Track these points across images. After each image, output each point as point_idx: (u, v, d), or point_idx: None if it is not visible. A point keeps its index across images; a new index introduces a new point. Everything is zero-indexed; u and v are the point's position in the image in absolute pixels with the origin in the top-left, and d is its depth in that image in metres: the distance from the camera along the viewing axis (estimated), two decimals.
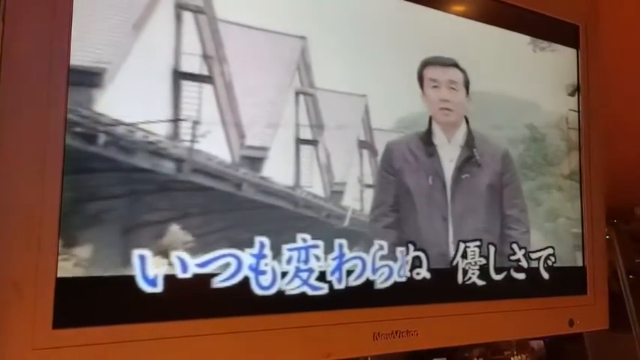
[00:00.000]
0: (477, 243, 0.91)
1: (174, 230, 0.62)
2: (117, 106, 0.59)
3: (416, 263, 0.92)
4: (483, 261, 0.99)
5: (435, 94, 0.69)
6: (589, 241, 1.15)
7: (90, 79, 0.56)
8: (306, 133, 0.64)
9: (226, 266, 0.79)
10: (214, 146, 0.63)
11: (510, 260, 1.03)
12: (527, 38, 0.88)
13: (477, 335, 1.02)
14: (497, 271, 1.02)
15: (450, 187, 0.67)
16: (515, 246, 1.03)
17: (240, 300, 0.80)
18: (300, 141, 0.61)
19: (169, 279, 0.75)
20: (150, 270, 0.68)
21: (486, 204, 0.70)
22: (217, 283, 0.79)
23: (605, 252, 1.19)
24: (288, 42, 0.62)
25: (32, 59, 0.65)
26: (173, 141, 0.59)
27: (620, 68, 1.39)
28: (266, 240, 0.70)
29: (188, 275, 0.77)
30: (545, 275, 1.09)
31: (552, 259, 1.09)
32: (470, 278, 0.99)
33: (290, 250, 0.84)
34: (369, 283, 0.91)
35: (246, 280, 0.81)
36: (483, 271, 1.01)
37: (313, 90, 0.66)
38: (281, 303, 0.83)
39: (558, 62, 0.85)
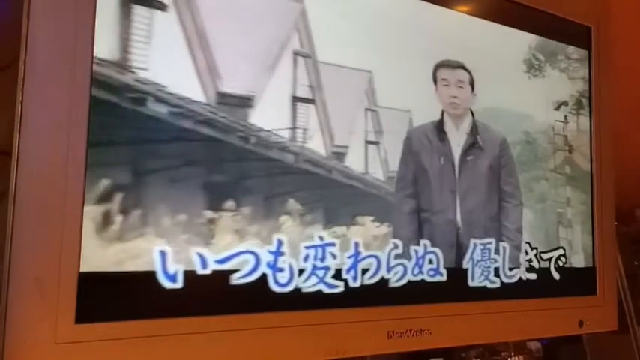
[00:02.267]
0: (489, 240, 0.94)
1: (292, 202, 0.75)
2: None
3: (431, 259, 0.92)
4: (498, 260, 1.00)
5: (446, 91, 0.82)
6: (599, 242, 1.16)
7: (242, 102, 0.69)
8: (371, 136, 0.80)
9: (245, 263, 0.80)
10: (316, 145, 0.77)
11: (522, 260, 1.04)
12: (523, 66, 0.94)
13: (488, 335, 1.02)
14: (509, 270, 1.03)
15: (458, 167, 0.80)
16: (527, 246, 1.04)
17: (257, 297, 0.81)
18: (367, 143, 0.77)
19: (189, 275, 0.75)
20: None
21: (487, 181, 0.83)
22: (236, 279, 0.79)
23: (614, 254, 1.20)
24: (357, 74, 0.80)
25: None
26: (292, 141, 0.74)
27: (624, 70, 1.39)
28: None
29: (207, 271, 0.77)
30: (556, 276, 1.10)
31: (563, 259, 1.10)
32: (482, 278, 1.00)
33: (307, 247, 0.85)
34: (383, 282, 0.91)
35: (264, 277, 0.81)
36: (496, 271, 1.01)
37: (376, 107, 0.82)
38: (297, 300, 0.84)
39: (547, 85, 0.94)
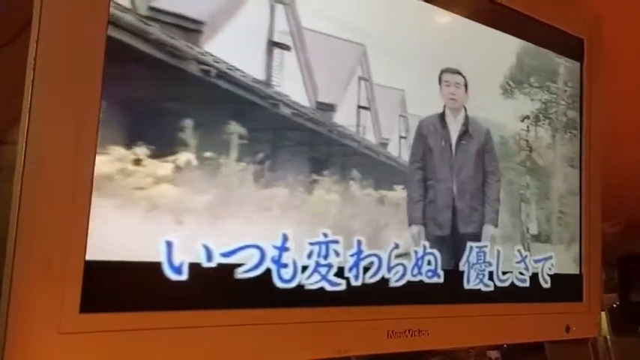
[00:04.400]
0: (484, 244, 1.03)
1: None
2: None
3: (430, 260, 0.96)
4: (492, 264, 1.02)
5: (447, 90, 1.00)
6: (586, 252, 1.19)
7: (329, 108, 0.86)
8: (363, 102, 0.91)
9: (250, 257, 0.79)
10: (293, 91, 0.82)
11: (513, 265, 1.06)
12: (500, 90, 1.09)
13: (483, 337, 1.04)
14: (503, 274, 1.05)
15: (454, 148, 0.99)
16: (517, 252, 1.06)
17: (261, 292, 0.79)
18: (360, 107, 0.89)
19: (194, 267, 0.74)
20: None
21: (475, 161, 1.02)
22: (240, 274, 0.78)
23: (600, 262, 1.22)
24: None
25: None
26: (357, 133, 0.89)
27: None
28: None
29: (212, 264, 0.75)
30: (546, 282, 1.12)
31: (552, 267, 1.12)
32: (477, 281, 1.01)
33: (311, 244, 0.84)
34: (384, 281, 0.91)
35: (268, 273, 0.80)
36: (490, 275, 1.03)
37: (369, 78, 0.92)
38: (300, 297, 0.83)
39: (516, 104, 1.11)
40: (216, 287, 0.76)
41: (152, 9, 0.67)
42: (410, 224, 0.94)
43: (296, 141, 0.83)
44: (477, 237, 1.01)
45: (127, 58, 0.67)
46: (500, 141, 1.05)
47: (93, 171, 0.67)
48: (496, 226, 1.03)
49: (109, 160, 0.68)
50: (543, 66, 1.17)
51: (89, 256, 0.66)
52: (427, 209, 0.95)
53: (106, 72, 0.66)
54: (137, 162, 0.69)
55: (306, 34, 0.82)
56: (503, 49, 1.13)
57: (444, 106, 0.99)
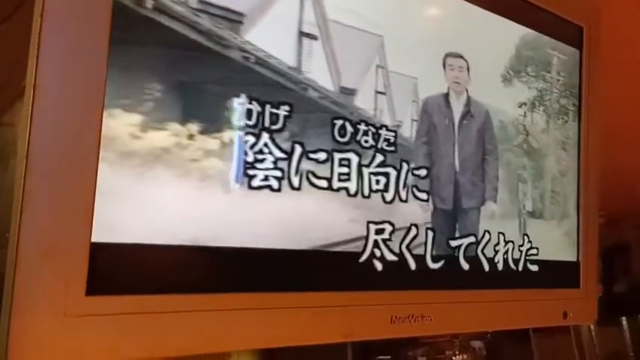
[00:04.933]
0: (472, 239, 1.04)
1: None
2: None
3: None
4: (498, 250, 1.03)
5: (451, 73, 1.04)
6: (584, 239, 1.20)
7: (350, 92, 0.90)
8: (380, 87, 0.95)
9: None
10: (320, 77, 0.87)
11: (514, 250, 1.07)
12: (500, 78, 1.13)
13: (483, 322, 1.04)
14: (503, 260, 1.05)
15: (457, 127, 1.03)
16: (520, 236, 1.07)
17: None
18: (377, 92, 0.93)
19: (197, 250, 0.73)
20: None
21: (475, 139, 1.06)
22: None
23: (596, 250, 1.23)
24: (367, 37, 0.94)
25: None
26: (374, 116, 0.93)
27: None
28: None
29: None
30: (544, 268, 1.13)
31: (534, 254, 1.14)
32: (479, 267, 1.02)
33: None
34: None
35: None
36: (490, 262, 1.03)
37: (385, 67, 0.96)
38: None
39: (514, 91, 1.15)
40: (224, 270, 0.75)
41: (201, 2, 0.74)
42: (416, 199, 0.97)
43: (322, 122, 0.86)
44: (478, 211, 1.05)
45: (179, 45, 0.73)
46: (500, 125, 1.10)
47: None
48: (495, 202, 1.08)
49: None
50: (539, 57, 1.21)
51: (95, 239, 0.65)
52: (433, 184, 0.98)
53: (161, 57, 0.71)
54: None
55: (330, 26, 0.87)
56: (504, 38, 1.15)
57: (448, 88, 1.03)
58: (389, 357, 1.12)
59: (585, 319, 1.20)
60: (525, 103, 1.16)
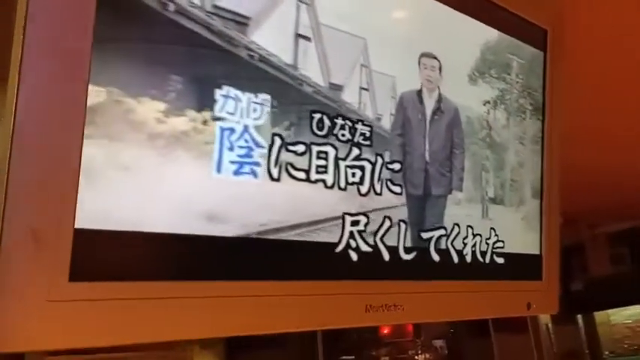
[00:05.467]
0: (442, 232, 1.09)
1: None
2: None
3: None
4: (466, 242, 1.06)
5: (425, 72, 1.10)
6: (546, 235, 1.25)
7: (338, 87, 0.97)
8: (364, 84, 1.01)
9: None
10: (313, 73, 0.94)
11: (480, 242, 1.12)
12: (466, 78, 1.20)
13: (452, 312, 1.07)
14: (471, 252, 1.09)
15: (428, 121, 1.09)
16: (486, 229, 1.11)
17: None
18: (361, 89, 1.00)
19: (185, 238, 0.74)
20: None
21: (444, 133, 1.12)
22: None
23: (558, 245, 1.28)
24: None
25: None
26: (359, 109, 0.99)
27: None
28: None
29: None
30: (509, 261, 1.17)
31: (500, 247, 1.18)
32: (449, 259, 1.05)
33: None
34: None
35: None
36: (459, 253, 1.07)
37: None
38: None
39: (478, 90, 1.22)
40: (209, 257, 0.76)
41: (215, 6, 0.82)
42: (390, 192, 1.01)
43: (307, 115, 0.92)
44: (445, 199, 1.11)
45: (194, 43, 0.80)
46: (467, 120, 1.17)
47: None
48: (461, 190, 1.15)
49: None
50: (500, 60, 1.27)
51: (78, 225, 0.65)
52: (406, 174, 1.04)
53: (177, 52, 0.78)
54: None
55: (322, 29, 0.95)
56: (472, 40, 1.21)
57: (421, 85, 1.09)
58: (352, 357, 1.14)
59: (547, 309, 1.25)
60: (489, 102, 1.23)
